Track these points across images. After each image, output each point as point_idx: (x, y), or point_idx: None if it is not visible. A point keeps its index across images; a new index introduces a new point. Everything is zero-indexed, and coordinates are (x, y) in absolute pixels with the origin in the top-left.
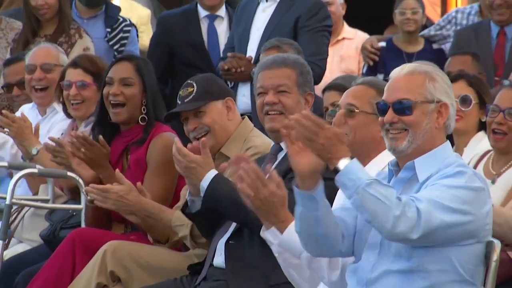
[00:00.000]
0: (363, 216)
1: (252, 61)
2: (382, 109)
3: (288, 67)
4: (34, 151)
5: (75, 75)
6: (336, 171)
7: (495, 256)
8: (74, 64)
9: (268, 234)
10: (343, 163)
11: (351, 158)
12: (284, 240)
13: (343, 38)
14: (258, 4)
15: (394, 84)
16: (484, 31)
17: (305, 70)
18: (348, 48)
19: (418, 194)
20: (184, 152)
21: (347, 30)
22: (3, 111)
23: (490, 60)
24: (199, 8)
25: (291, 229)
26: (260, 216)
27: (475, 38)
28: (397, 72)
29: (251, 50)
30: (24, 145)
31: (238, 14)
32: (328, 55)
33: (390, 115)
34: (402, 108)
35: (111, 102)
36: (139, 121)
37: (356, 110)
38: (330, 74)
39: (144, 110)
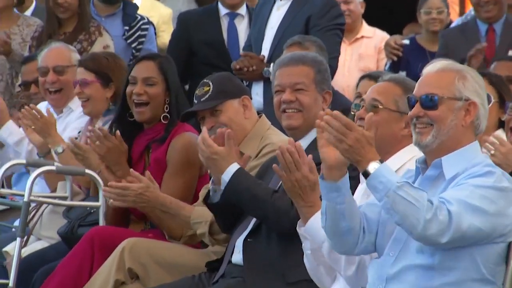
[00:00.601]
0: (394, 219)
1: (265, 60)
2: (411, 104)
3: (306, 65)
4: (59, 150)
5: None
6: (366, 174)
7: None
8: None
9: (304, 231)
10: (373, 166)
11: (380, 161)
12: (308, 226)
13: (362, 37)
14: (274, 2)
15: (425, 79)
16: (471, 30)
17: (323, 68)
18: (366, 47)
19: (446, 194)
20: (208, 142)
21: (366, 29)
22: (31, 105)
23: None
24: (220, 6)
25: (318, 215)
26: (292, 199)
27: (463, 39)
28: (430, 68)
29: (265, 49)
30: (48, 142)
31: (256, 13)
32: (339, 53)
33: (416, 108)
34: (429, 102)
35: (135, 101)
36: (162, 120)
37: (380, 106)
38: (349, 73)
39: (167, 109)
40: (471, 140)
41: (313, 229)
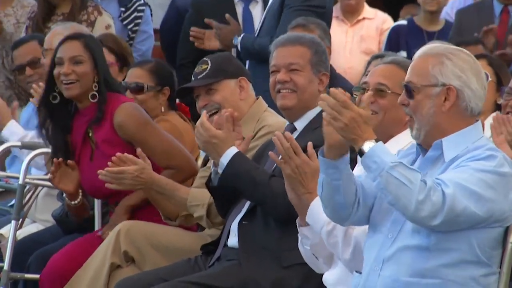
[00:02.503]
0: (387, 199)
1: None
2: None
3: (302, 45)
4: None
5: None
6: (361, 153)
7: (511, 239)
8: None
9: (305, 229)
10: (367, 145)
11: (376, 140)
12: (309, 213)
13: (363, 18)
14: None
15: (411, 65)
16: (486, 9)
17: (320, 50)
18: (368, 28)
19: (445, 175)
20: (206, 125)
21: (368, 10)
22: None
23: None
24: None
25: (317, 202)
26: (289, 186)
27: (477, 16)
28: (416, 54)
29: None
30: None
31: None
32: None
33: (402, 96)
34: (407, 91)
35: (63, 82)
36: (90, 99)
37: (388, 91)
38: (350, 54)
39: (95, 87)
40: (469, 122)
41: (314, 213)
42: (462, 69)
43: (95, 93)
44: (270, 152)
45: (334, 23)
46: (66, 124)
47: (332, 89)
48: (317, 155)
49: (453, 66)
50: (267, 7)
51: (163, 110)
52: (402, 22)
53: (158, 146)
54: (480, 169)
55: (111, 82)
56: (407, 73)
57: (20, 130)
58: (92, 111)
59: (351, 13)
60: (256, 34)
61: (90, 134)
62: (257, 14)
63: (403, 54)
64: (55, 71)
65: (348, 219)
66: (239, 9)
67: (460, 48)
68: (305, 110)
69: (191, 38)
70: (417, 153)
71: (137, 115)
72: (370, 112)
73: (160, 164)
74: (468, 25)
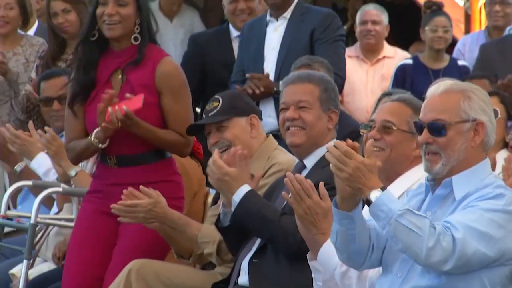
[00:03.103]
0: (397, 246)
1: (272, 79)
2: (419, 129)
3: (311, 83)
4: (72, 173)
5: None
6: (368, 202)
7: None
8: None
9: (316, 263)
10: (374, 194)
11: (382, 188)
12: (321, 254)
13: (384, 57)
14: (267, 24)
15: (430, 103)
16: (510, 44)
17: (329, 87)
18: (389, 67)
19: (453, 218)
20: (219, 163)
21: (388, 49)
22: (46, 128)
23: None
24: (231, 28)
25: (329, 244)
26: (301, 226)
27: (499, 53)
28: (433, 91)
29: (270, 70)
30: (62, 166)
31: (245, 37)
32: (345, 63)
33: (425, 135)
34: (437, 129)
35: (106, 22)
36: (132, 41)
37: (394, 128)
38: (372, 93)
39: (137, 30)
40: (481, 157)
41: (325, 256)
42: (486, 104)
43: (138, 35)
44: (283, 193)
45: (355, 62)
46: (95, 62)
47: (336, 141)
48: (329, 194)
49: (479, 100)
50: (282, 40)
51: None
52: (408, 60)
53: (182, 110)
54: (489, 208)
55: (151, 29)
56: (427, 111)
57: (47, 163)
58: (129, 53)
59: (371, 52)
60: (232, 74)
61: (121, 74)
62: None
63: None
64: (99, 11)
65: (363, 264)
66: (235, 44)
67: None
68: (314, 147)
69: (248, 89)
70: (426, 192)
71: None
72: (375, 159)
73: (171, 126)
74: (491, 62)
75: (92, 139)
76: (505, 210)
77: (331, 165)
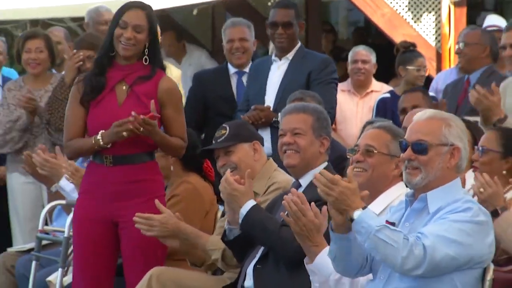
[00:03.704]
0: (376, 257)
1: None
2: (403, 147)
3: (306, 113)
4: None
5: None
6: (352, 220)
7: (488, 276)
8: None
9: (313, 267)
10: (356, 214)
11: (364, 208)
12: (316, 263)
13: (372, 91)
14: (272, 63)
15: (416, 126)
16: (461, 82)
17: (322, 117)
18: (376, 100)
19: (426, 229)
20: (230, 181)
21: (375, 84)
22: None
23: (455, 103)
24: (229, 66)
25: (323, 254)
26: (298, 239)
27: (453, 88)
28: (419, 116)
29: (269, 102)
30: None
31: (252, 74)
32: (336, 103)
33: (408, 152)
34: (419, 148)
35: (122, 43)
36: (143, 61)
37: (375, 151)
38: (361, 123)
39: (147, 52)
40: (454, 177)
41: (321, 265)
42: (463, 132)
43: (147, 57)
44: (281, 213)
45: (346, 96)
46: (106, 71)
47: (322, 170)
48: (319, 210)
49: (457, 128)
50: (283, 77)
51: (172, 169)
52: (386, 94)
53: (182, 119)
54: (458, 220)
55: (159, 53)
56: (412, 132)
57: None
58: (133, 68)
59: (361, 87)
60: (239, 104)
61: (125, 86)
62: None
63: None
64: (117, 31)
65: (357, 274)
66: (233, 80)
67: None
68: (308, 168)
69: (249, 120)
70: (406, 206)
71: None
72: (356, 183)
73: (173, 132)
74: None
75: (100, 141)
76: (472, 221)
77: (318, 189)
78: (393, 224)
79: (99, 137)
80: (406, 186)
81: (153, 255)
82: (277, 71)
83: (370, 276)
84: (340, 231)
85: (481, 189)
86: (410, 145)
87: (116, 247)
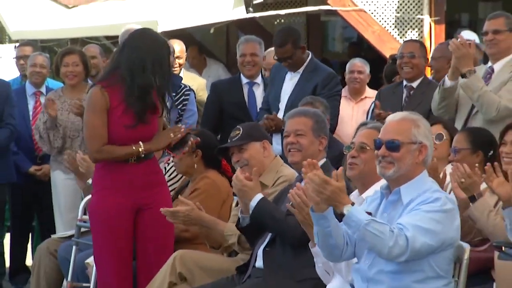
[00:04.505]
0: (366, 246)
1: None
2: (377, 145)
3: (306, 117)
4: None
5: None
6: (342, 214)
7: (465, 256)
8: None
9: (316, 249)
10: (346, 209)
11: (352, 204)
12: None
13: (365, 97)
14: (286, 73)
15: (389, 126)
16: (399, 88)
17: (320, 120)
18: (369, 105)
19: (403, 220)
20: (240, 177)
21: (369, 91)
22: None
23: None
24: (242, 76)
25: None
26: (302, 226)
27: (392, 93)
28: (392, 118)
29: (281, 108)
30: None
31: (273, 76)
32: (339, 113)
33: (382, 150)
34: (393, 146)
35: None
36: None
37: (368, 148)
38: (356, 124)
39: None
40: (422, 170)
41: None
42: (429, 131)
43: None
44: (287, 205)
45: (343, 101)
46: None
47: (315, 172)
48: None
49: (425, 128)
50: (293, 88)
51: (196, 166)
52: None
53: None
54: (430, 210)
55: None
56: (386, 132)
57: None
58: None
59: (356, 94)
60: (259, 109)
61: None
62: (259, 93)
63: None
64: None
65: (341, 257)
66: (245, 89)
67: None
68: None
69: (265, 124)
70: (381, 197)
71: None
72: (344, 182)
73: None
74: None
75: (142, 151)
76: (441, 210)
77: (311, 188)
78: (370, 213)
79: (141, 148)
80: None
81: (168, 234)
82: (290, 81)
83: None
84: (318, 210)
85: (462, 180)
86: (384, 143)
87: (134, 233)
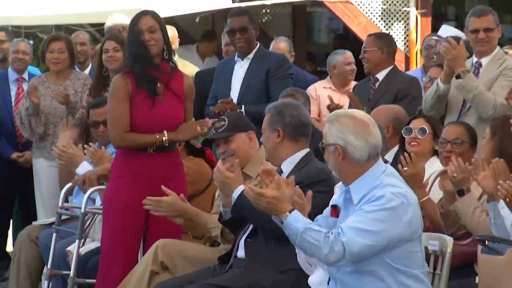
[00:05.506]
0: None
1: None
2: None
3: (267, 113)
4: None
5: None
6: (282, 222)
7: (448, 249)
8: None
9: None
10: (284, 218)
11: (291, 211)
12: None
13: (350, 88)
14: (235, 62)
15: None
16: (369, 81)
17: (275, 112)
18: None
19: (346, 222)
20: (221, 169)
21: (353, 83)
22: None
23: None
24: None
25: None
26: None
27: (364, 87)
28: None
29: (234, 97)
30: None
31: (219, 72)
32: None
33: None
34: (322, 149)
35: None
36: (164, 60)
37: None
38: None
39: (164, 52)
40: (365, 169)
41: None
42: (342, 131)
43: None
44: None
45: (330, 92)
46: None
47: (250, 186)
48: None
49: (335, 129)
50: (245, 74)
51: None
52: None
53: (191, 109)
54: (371, 210)
55: (171, 51)
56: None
57: (86, 169)
58: (166, 66)
59: (342, 85)
60: (208, 100)
61: (159, 83)
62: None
63: None
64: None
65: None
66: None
67: (348, 112)
68: (279, 158)
69: (215, 110)
70: (342, 193)
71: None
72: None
73: (186, 121)
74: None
75: (165, 140)
76: (384, 208)
77: (251, 200)
78: (336, 206)
79: (165, 137)
80: None
81: (177, 232)
82: (240, 69)
83: None
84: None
85: (454, 174)
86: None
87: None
